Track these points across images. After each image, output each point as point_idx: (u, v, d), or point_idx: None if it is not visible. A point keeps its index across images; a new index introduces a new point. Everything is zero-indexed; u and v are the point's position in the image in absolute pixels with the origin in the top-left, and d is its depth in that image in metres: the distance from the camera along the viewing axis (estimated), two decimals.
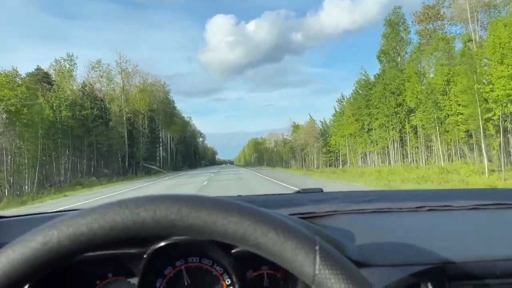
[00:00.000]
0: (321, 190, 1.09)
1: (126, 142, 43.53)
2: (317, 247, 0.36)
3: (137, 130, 47.73)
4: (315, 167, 49.67)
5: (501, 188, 1.48)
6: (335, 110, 43.06)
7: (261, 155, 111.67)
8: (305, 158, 57.54)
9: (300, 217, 0.72)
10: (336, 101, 42.88)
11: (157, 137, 55.10)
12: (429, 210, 0.84)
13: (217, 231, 0.36)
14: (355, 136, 37.26)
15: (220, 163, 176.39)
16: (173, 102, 65.79)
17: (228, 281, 0.62)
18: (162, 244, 0.56)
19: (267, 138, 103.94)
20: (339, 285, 0.34)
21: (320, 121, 57.82)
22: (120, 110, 44.32)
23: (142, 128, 49.17)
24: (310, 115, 62.40)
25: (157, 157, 55.86)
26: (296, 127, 61.34)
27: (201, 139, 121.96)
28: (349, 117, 37.36)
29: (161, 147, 59.17)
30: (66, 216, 0.37)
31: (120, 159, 41.44)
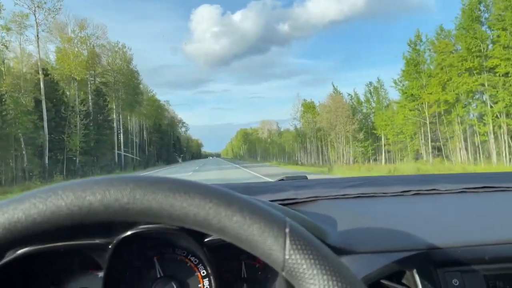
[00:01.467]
0: (305, 177, 1.06)
1: (46, 125, 26.15)
2: (287, 230, 0.32)
3: (69, 107, 29.99)
4: (345, 162, 32.83)
5: (490, 172, 1.28)
6: (406, 60, 25.00)
7: (252, 146, 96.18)
8: (322, 149, 40.70)
9: (280, 203, 0.70)
10: (408, 45, 25.18)
11: (107, 120, 37.32)
12: (415, 194, 0.82)
13: (176, 214, 0.32)
14: (470, 101, 19.30)
15: (206, 156, 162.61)
16: (138, 74, 48.19)
17: (203, 272, 0.58)
18: (129, 233, 0.50)
19: (259, 127, 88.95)
20: (312, 271, 0.30)
21: (348, 94, 40.82)
22: (29, 70, 26.58)
23: (80, 104, 31.47)
24: (334, 86, 43.44)
25: (115, 150, 38.56)
26: (308, 107, 44.10)
27: (183, 129, 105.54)
28: (449, 66, 19.14)
29: (121, 136, 41.99)
30: (2, 202, 0.33)
31: (25, 151, 23.90)
